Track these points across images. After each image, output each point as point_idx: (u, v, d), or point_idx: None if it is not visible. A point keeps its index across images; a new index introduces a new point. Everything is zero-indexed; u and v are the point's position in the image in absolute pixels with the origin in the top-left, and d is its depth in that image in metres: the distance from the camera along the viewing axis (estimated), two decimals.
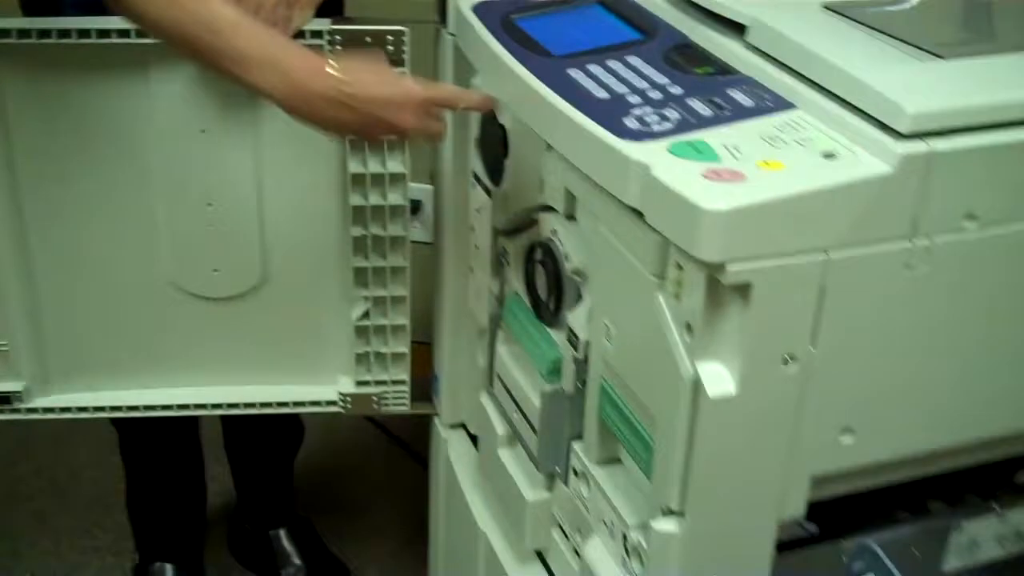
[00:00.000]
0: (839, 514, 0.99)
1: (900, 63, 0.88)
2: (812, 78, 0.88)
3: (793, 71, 0.90)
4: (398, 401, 1.40)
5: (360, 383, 1.38)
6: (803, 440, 0.87)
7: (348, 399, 1.39)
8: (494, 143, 1.16)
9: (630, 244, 0.89)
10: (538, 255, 1.10)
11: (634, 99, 0.91)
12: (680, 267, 0.83)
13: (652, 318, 0.87)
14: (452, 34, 1.19)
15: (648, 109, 0.89)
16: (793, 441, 0.87)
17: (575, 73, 0.96)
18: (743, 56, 0.95)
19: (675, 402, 0.85)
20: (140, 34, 1.16)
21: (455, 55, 1.20)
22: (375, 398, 1.39)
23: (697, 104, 0.89)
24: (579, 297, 1.04)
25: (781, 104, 0.88)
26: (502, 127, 1.13)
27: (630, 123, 0.87)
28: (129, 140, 1.24)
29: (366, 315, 1.34)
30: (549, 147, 0.99)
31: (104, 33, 1.16)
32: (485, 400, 1.26)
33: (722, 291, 0.80)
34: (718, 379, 0.83)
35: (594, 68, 0.96)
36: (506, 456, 1.21)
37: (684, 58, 0.97)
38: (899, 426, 0.91)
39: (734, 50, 0.96)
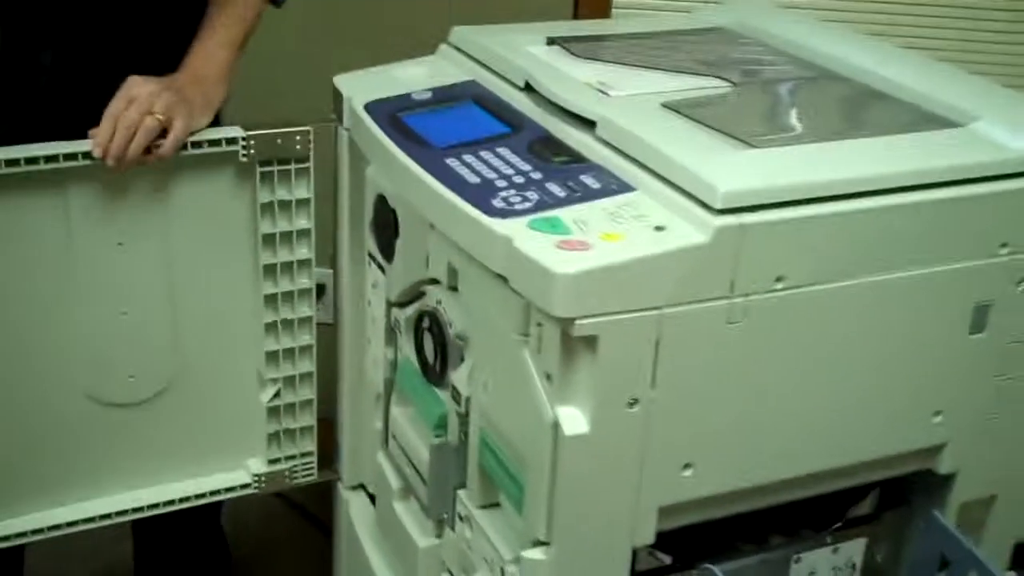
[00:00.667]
0: (689, 545, 1.13)
1: (718, 151, 1.04)
2: (648, 165, 1.04)
3: (633, 159, 1.06)
4: (307, 472, 1.49)
5: (272, 461, 1.46)
6: (648, 473, 1.01)
7: (262, 479, 1.46)
8: (386, 224, 1.30)
9: (500, 308, 1.03)
10: (426, 323, 1.23)
11: (501, 183, 1.06)
12: (540, 324, 0.97)
13: (519, 371, 1.01)
14: (347, 129, 1.33)
15: (512, 191, 1.04)
16: (640, 474, 1.01)
17: (452, 162, 1.11)
18: (594, 147, 1.10)
19: (539, 443, 0.99)
20: (68, 158, 1.20)
21: (350, 148, 1.34)
22: (287, 473, 1.47)
23: (554, 187, 1.04)
24: (461, 358, 1.17)
25: (623, 187, 1.03)
26: (393, 210, 1.27)
27: (497, 203, 1.02)
28: (46, 257, 1.26)
29: (276, 395, 1.42)
30: (432, 226, 1.14)
31: (32, 160, 1.19)
32: (381, 459, 1.38)
33: (574, 343, 0.95)
34: (573, 420, 0.97)
35: (468, 158, 1.12)
36: (400, 508, 1.33)
37: (545, 149, 1.13)
38: (733, 461, 1.06)
39: (586, 142, 1.12)
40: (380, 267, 1.34)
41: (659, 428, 1.00)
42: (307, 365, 1.42)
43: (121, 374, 1.35)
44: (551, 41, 1.37)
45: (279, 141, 1.28)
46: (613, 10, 1.94)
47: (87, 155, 1.20)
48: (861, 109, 1.23)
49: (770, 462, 1.08)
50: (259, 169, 1.29)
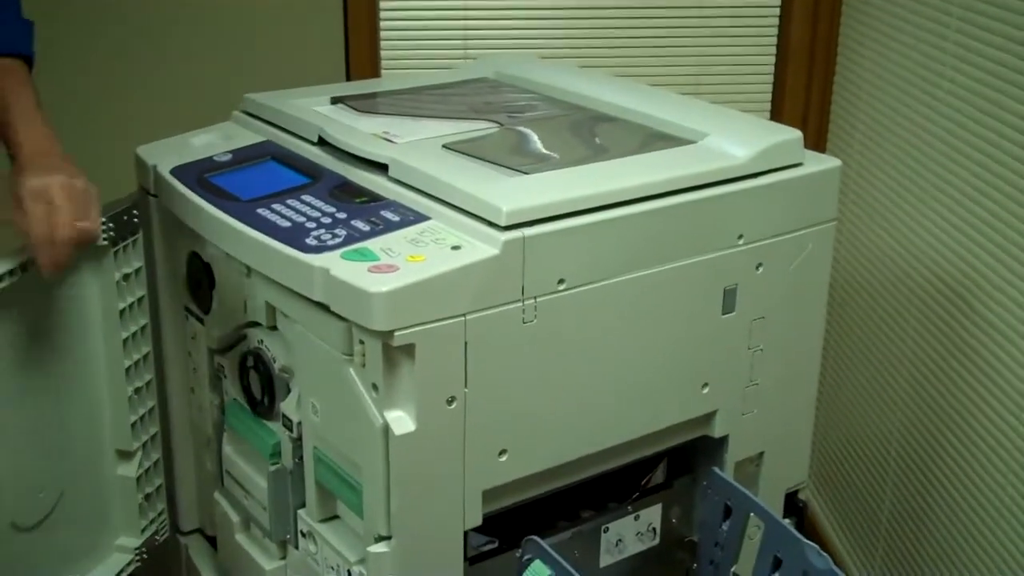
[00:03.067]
0: (513, 528, 1.28)
1: (496, 180, 1.21)
2: (439, 196, 1.19)
3: (425, 193, 1.21)
4: (163, 530, 1.53)
5: (144, 530, 1.49)
6: (470, 462, 1.16)
7: (142, 550, 1.49)
8: (200, 278, 1.40)
9: (322, 334, 1.16)
10: (250, 362, 1.34)
11: (311, 225, 1.19)
12: (362, 342, 1.11)
13: (347, 387, 1.14)
14: (154, 196, 1.43)
15: (323, 231, 1.17)
16: (463, 463, 1.15)
17: (263, 211, 1.23)
18: (388, 187, 1.25)
19: (372, 447, 1.12)
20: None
21: (160, 213, 1.44)
22: (155, 537, 1.51)
23: (359, 223, 1.18)
24: (288, 389, 1.29)
25: (419, 217, 1.19)
26: (207, 264, 1.38)
27: (310, 241, 1.15)
28: None
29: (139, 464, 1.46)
30: (248, 272, 1.26)
31: None
32: (219, 497, 1.47)
33: (395, 353, 1.09)
34: (401, 422, 1.11)
35: (277, 206, 1.24)
36: (242, 539, 1.43)
37: (345, 193, 1.27)
38: (541, 444, 1.22)
39: (381, 183, 1.26)
40: (198, 318, 1.44)
41: (475, 421, 1.15)
42: (155, 427, 1.49)
43: (32, 493, 1.34)
44: (335, 100, 1.52)
45: (125, 217, 1.36)
46: (382, 71, 2.10)
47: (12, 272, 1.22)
48: (611, 136, 1.42)
49: (572, 441, 1.24)
50: (112, 248, 1.35)
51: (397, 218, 1.19)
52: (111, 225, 1.36)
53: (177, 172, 1.37)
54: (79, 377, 1.40)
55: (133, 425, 1.46)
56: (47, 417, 1.35)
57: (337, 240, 1.15)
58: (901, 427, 1.88)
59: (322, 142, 1.37)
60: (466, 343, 1.11)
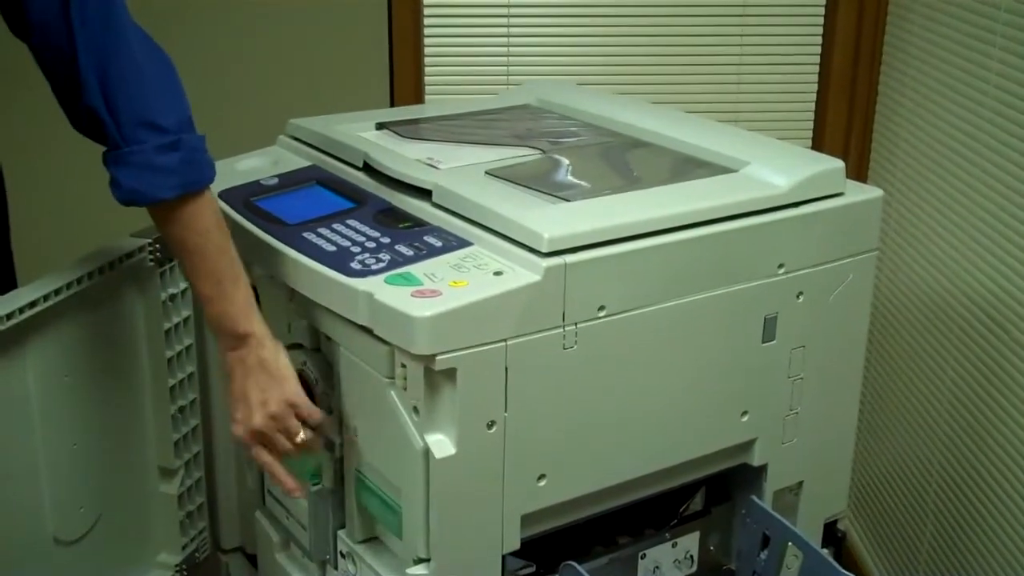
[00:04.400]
0: (550, 553, 1.29)
1: (539, 206, 1.22)
2: (482, 223, 1.21)
3: (468, 219, 1.23)
4: (204, 548, 1.56)
5: (185, 547, 1.52)
6: (509, 486, 1.17)
7: (183, 567, 1.52)
8: None
9: (365, 357, 1.18)
10: None
11: (355, 249, 1.21)
12: (404, 365, 1.12)
13: (388, 410, 1.16)
14: None
15: (367, 255, 1.19)
16: (502, 487, 1.16)
17: (308, 235, 1.25)
18: (431, 212, 1.27)
19: (413, 469, 1.14)
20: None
21: None
22: (196, 554, 1.55)
23: (402, 248, 1.20)
24: (330, 411, 1.31)
25: (462, 243, 1.20)
26: (252, 285, 1.40)
27: (355, 265, 1.17)
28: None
29: (182, 482, 1.49)
30: (292, 296, 1.28)
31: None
32: (260, 516, 1.49)
33: (436, 377, 1.10)
34: (441, 445, 1.12)
35: (322, 230, 1.26)
36: (282, 559, 1.44)
37: (388, 218, 1.28)
38: (579, 469, 1.22)
39: (424, 209, 1.28)
40: None
41: (515, 445, 1.15)
42: (198, 445, 1.51)
43: (74, 508, 1.36)
44: (380, 126, 1.54)
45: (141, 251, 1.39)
46: (426, 96, 2.13)
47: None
48: (651, 164, 1.43)
49: (611, 467, 1.25)
50: (159, 269, 1.39)
51: (440, 243, 1.20)
52: (157, 246, 1.39)
53: (224, 195, 1.39)
54: (124, 395, 1.43)
55: (176, 443, 1.48)
56: (91, 434, 1.38)
57: (381, 265, 1.17)
58: (941, 456, 1.87)
59: (367, 167, 1.39)
60: (507, 368, 1.12)
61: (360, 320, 1.14)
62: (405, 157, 1.39)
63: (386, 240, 1.22)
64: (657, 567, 1.39)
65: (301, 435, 1.20)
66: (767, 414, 1.35)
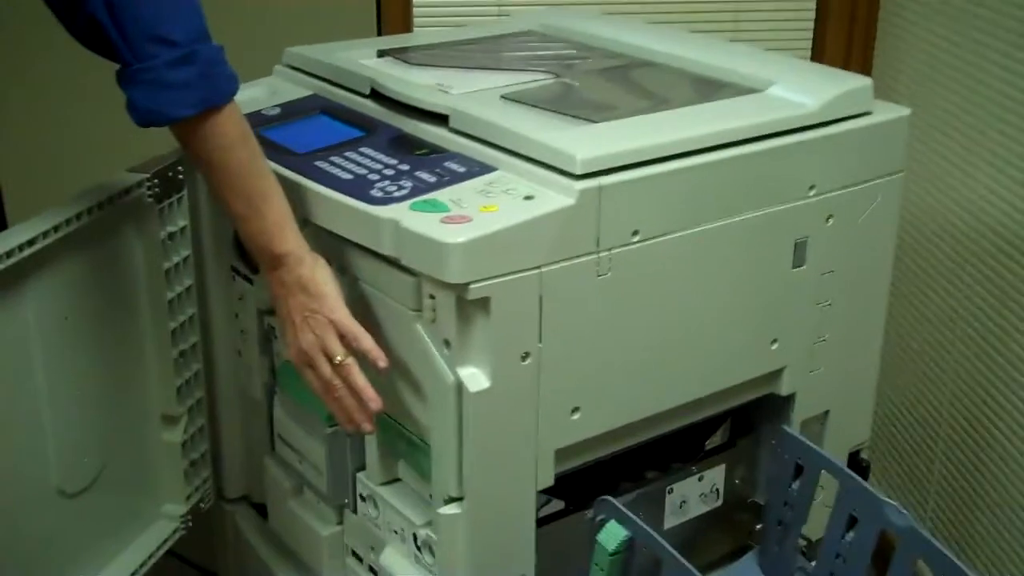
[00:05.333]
0: (579, 490, 1.25)
1: (566, 129, 1.17)
2: (506, 146, 1.15)
3: (490, 143, 1.17)
4: (207, 497, 1.50)
5: (187, 498, 1.46)
6: (543, 420, 1.12)
7: (188, 517, 1.46)
8: None
9: (388, 289, 1.12)
10: None
11: (374, 176, 1.15)
12: (432, 296, 1.07)
13: (414, 344, 1.10)
14: None
15: (387, 183, 1.13)
16: (536, 421, 1.12)
17: (321, 164, 1.19)
18: (449, 138, 1.21)
19: (443, 405, 1.09)
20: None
21: None
22: (201, 504, 1.48)
23: (423, 175, 1.14)
24: None
25: (486, 168, 1.14)
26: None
27: (375, 193, 1.11)
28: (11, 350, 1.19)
29: (185, 429, 1.43)
30: (304, 225, 1.21)
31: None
32: (269, 462, 1.43)
33: (469, 307, 1.05)
34: (474, 379, 1.07)
35: (335, 159, 1.20)
36: (295, 505, 1.39)
37: (403, 145, 1.22)
38: (613, 401, 1.18)
39: (440, 135, 1.22)
40: (246, 278, 1.40)
41: (549, 377, 1.11)
42: (201, 391, 1.45)
43: (79, 458, 1.30)
44: (382, 53, 1.47)
45: (170, 174, 1.31)
46: (414, 27, 2.05)
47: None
48: (673, 86, 1.37)
49: (644, 398, 1.21)
50: (157, 206, 1.31)
51: (463, 169, 1.14)
52: (156, 182, 1.32)
53: None
54: (124, 339, 1.36)
55: (179, 389, 1.42)
56: (92, 380, 1.31)
57: (403, 192, 1.11)
58: (954, 386, 1.85)
59: (375, 94, 1.32)
60: (541, 296, 1.07)
61: (384, 250, 1.08)
62: (414, 83, 1.32)
63: (404, 167, 1.17)
64: (684, 502, 1.36)
65: (339, 357, 1.11)
66: (796, 342, 1.31)
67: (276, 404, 1.40)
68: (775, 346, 1.29)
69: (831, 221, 1.28)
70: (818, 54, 2.14)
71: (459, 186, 1.11)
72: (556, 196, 1.07)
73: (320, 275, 1.12)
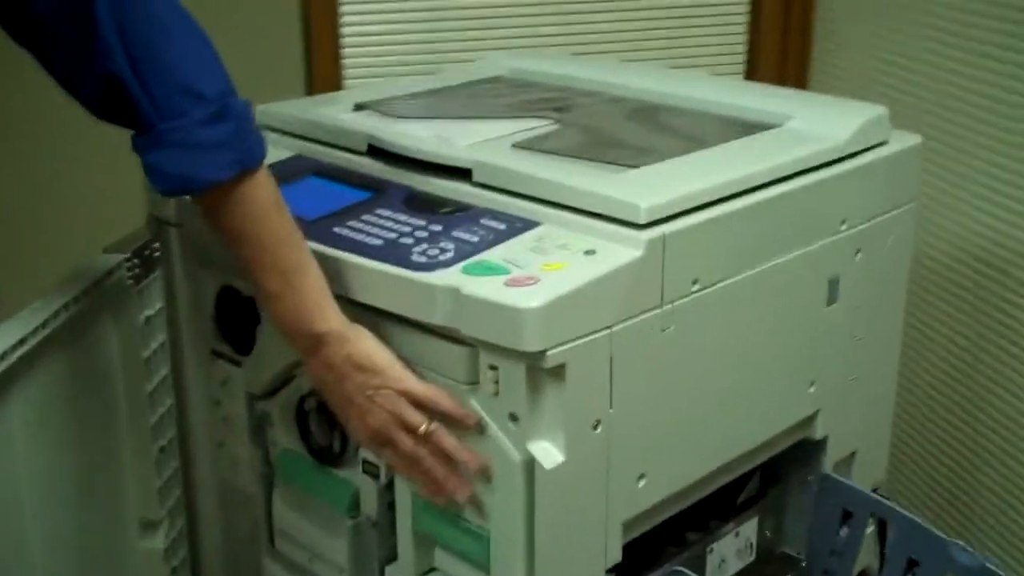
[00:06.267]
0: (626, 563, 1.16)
1: (609, 176, 1.09)
2: (547, 198, 1.06)
3: (524, 196, 1.08)
4: None
5: None
6: (612, 491, 1.03)
7: None
8: (238, 315, 1.23)
9: (434, 363, 1.02)
10: (310, 404, 1.18)
11: (407, 240, 1.04)
12: (494, 368, 0.97)
13: None
14: (177, 226, 1.25)
15: (424, 245, 1.03)
16: (607, 494, 1.03)
17: (341, 230, 1.08)
18: (473, 193, 1.11)
19: (510, 485, 0.99)
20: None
21: (181, 247, 1.26)
22: None
23: (462, 235, 1.04)
24: None
25: (528, 224, 1.05)
26: (247, 297, 1.21)
27: (417, 258, 1.01)
28: None
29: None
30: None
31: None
32: (267, 562, 1.30)
33: (540, 376, 0.95)
34: (548, 453, 0.97)
35: (354, 223, 1.09)
36: None
37: (422, 203, 1.12)
38: (676, 462, 1.10)
39: (461, 190, 1.12)
40: (232, 361, 1.27)
41: (618, 445, 1.02)
42: (179, 489, 1.31)
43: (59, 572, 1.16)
44: (359, 107, 1.36)
45: (146, 252, 1.18)
46: (345, 82, 1.94)
47: None
48: (688, 125, 1.30)
49: (704, 456, 1.13)
50: (136, 288, 1.18)
51: (502, 226, 1.05)
52: (135, 261, 1.19)
53: None
54: (101, 439, 1.21)
55: (159, 490, 1.27)
56: (67, 488, 1.17)
57: (448, 255, 1.01)
58: (962, 411, 1.84)
59: (373, 151, 1.22)
60: (611, 358, 0.99)
61: (436, 320, 0.98)
62: (416, 136, 1.22)
63: (436, 227, 1.07)
64: (723, 560, 1.29)
65: (423, 427, 1.00)
66: (831, 382, 1.26)
67: (276, 497, 1.27)
68: (812, 388, 1.24)
69: (859, 255, 1.24)
70: (753, 69, 2.10)
71: (507, 244, 1.02)
72: (621, 249, 0.99)
73: (371, 347, 1.01)
